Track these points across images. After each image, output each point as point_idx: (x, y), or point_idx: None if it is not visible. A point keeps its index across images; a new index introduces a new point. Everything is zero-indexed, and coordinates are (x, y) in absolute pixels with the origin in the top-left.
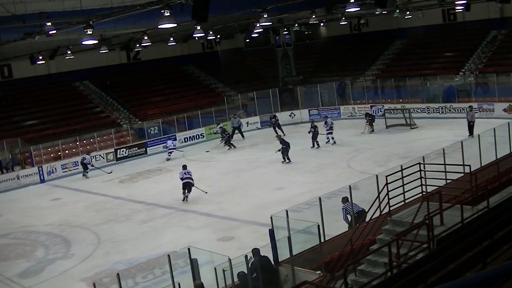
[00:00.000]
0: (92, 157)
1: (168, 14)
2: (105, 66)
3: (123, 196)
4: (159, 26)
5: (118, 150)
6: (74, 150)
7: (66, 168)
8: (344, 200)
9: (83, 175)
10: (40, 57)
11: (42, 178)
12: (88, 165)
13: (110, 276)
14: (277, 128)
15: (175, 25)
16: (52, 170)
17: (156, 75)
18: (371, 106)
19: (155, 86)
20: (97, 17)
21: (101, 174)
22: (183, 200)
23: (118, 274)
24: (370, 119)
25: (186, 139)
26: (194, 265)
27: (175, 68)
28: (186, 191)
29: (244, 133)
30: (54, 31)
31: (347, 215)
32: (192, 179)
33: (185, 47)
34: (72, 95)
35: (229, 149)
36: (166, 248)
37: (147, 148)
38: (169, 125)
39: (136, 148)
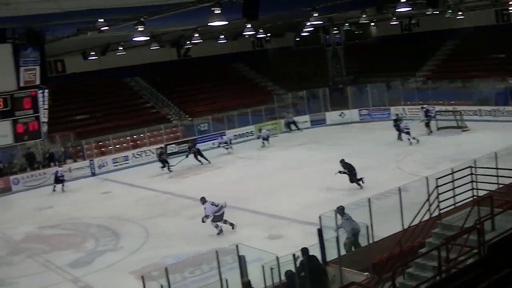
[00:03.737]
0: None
1: (219, 11)
2: (156, 63)
3: (173, 191)
4: (209, 24)
5: (168, 146)
6: (124, 144)
7: (116, 162)
8: (341, 211)
9: (54, 189)
10: (92, 53)
11: (93, 171)
12: (60, 178)
13: (158, 270)
14: (199, 157)
15: (225, 22)
16: (103, 163)
17: (206, 72)
18: (422, 108)
19: (205, 83)
20: (148, 14)
21: (150, 168)
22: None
23: (166, 268)
24: (428, 118)
25: (236, 136)
26: (242, 262)
27: (225, 66)
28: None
29: (294, 132)
30: (106, 28)
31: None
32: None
33: (235, 45)
34: (123, 90)
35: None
36: (214, 244)
37: (196, 145)
38: (218, 122)
39: (186, 144)
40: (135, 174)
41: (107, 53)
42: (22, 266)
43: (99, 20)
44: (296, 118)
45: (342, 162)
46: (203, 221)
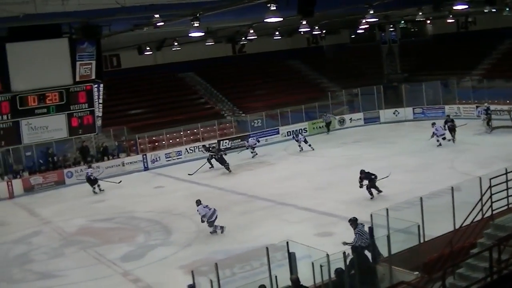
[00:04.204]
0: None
1: (274, 8)
2: (211, 58)
3: (224, 187)
4: (264, 20)
5: (221, 142)
6: (178, 140)
7: (169, 157)
8: (354, 222)
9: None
10: (148, 48)
11: (145, 165)
12: (91, 178)
13: (207, 265)
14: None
15: (281, 19)
16: (156, 158)
17: (261, 69)
18: (477, 107)
19: (259, 79)
20: (204, 10)
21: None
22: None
23: (216, 263)
24: (488, 116)
25: (289, 133)
26: (291, 259)
27: (280, 62)
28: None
29: (347, 129)
30: (162, 23)
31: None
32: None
33: (290, 42)
34: (177, 86)
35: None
36: (264, 241)
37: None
38: (272, 119)
39: (239, 140)
40: (188, 169)
41: (162, 49)
42: (73, 258)
43: (155, 16)
44: (349, 116)
45: (363, 173)
46: (202, 221)
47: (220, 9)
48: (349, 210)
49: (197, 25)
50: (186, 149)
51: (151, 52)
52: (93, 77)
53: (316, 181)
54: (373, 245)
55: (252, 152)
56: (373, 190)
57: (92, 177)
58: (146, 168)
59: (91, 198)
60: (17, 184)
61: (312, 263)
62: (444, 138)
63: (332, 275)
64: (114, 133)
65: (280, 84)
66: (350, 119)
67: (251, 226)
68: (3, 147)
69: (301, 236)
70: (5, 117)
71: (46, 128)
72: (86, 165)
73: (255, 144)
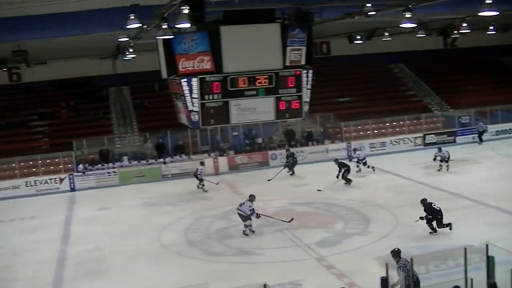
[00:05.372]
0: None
1: (490, 1)
2: (421, 51)
3: (426, 182)
4: (479, 14)
5: (427, 136)
6: (383, 130)
7: (373, 147)
8: (396, 254)
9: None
10: (358, 37)
11: (349, 154)
12: (197, 176)
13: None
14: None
15: (497, 13)
16: (360, 147)
17: (472, 64)
18: None
19: (469, 74)
20: (417, 1)
21: (408, 157)
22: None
23: (411, 258)
24: None
25: (497, 132)
26: (490, 262)
27: (491, 58)
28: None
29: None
30: (373, 13)
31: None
32: (242, 211)
33: (504, 37)
34: (385, 76)
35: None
36: (461, 241)
37: (456, 137)
38: (481, 116)
39: (446, 136)
40: (391, 161)
41: (373, 38)
42: (271, 238)
43: (367, 5)
44: None
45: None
46: (258, 217)
47: (434, 1)
48: None
49: (409, 16)
50: (390, 140)
51: (361, 41)
52: (303, 62)
53: None
54: None
55: (357, 167)
56: None
57: (199, 176)
58: (349, 157)
59: (293, 181)
60: (223, 161)
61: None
62: None
63: None
64: (320, 119)
65: (490, 81)
66: None
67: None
68: (213, 125)
69: (503, 240)
70: (216, 96)
71: (255, 110)
72: (200, 162)
73: (364, 158)
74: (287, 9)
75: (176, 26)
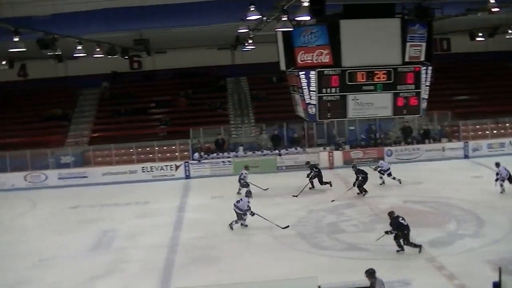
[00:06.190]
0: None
1: None
2: None
3: None
4: None
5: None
6: (502, 131)
7: (491, 148)
8: (370, 275)
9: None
10: (480, 34)
11: (466, 154)
12: (240, 180)
13: None
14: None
15: None
16: (478, 147)
17: None
18: None
19: None
20: None
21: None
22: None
23: None
24: None
25: None
26: None
27: None
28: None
29: None
30: (497, 9)
31: None
32: (239, 208)
33: None
34: (507, 75)
35: None
36: None
37: None
38: None
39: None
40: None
41: (496, 36)
42: (380, 235)
43: (491, 1)
44: None
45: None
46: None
47: None
48: None
49: None
50: (510, 141)
51: (483, 39)
52: (422, 59)
53: None
54: None
55: (381, 178)
56: None
57: (242, 181)
58: (466, 156)
59: (411, 178)
60: (338, 155)
61: None
62: None
63: None
64: (438, 117)
65: None
66: None
67: None
68: (329, 119)
69: None
70: (333, 90)
71: (372, 105)
72: (245, 167)
73: (389, 169)
74: (407, 4)
75: (296, 18)
